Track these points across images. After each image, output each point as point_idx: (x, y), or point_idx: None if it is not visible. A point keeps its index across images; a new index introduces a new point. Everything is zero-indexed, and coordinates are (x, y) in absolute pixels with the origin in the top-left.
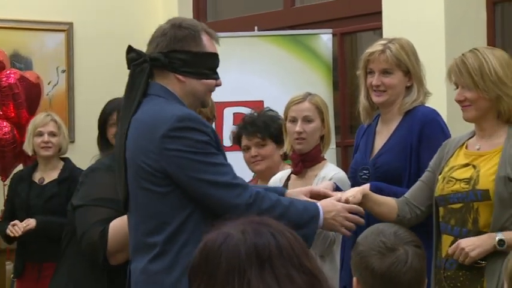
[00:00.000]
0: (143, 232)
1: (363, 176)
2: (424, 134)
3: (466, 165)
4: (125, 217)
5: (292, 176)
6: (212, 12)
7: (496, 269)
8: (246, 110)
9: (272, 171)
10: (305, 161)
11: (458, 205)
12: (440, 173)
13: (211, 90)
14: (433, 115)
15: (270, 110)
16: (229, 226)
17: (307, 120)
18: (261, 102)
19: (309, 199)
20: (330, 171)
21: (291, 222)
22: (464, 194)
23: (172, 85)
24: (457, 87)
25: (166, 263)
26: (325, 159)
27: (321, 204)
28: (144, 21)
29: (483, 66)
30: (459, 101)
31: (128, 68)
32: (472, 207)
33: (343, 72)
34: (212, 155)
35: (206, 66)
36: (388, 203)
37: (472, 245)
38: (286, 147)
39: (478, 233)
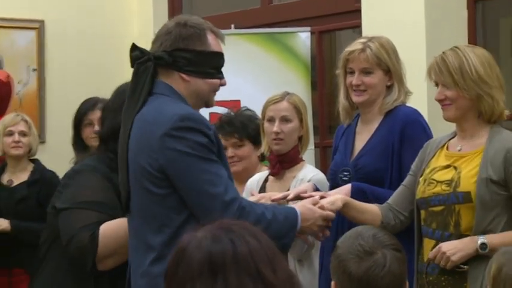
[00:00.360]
0: (145, 233)
1: (343, 178)
2: (405, 134)
3: (447, 166)
4: (115, 221)
5: (270, 177)
6: (188, 9)
7: (479, 273)
8: (222, 110)
9: (249, 173)
10: (283, 162)
11: (440, 208)
12: (421, 175)
13: (216, 90)
14: (415, 115)
15: (248, 109)
16: (200, 231)
17: (285, 120)
18: (238, 101)
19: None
20: (308, 172)
21: (273, 235)
22: (446, 196)
23: (177, 84)
24: (437, 86)
25: (165, 267)
26: (304, 160)
27: (300, 211)
28: (117, 19)
29: (463, 64)
30: (439, 100)
31: (132, 67)
32: (454, 210)
33: (321, 71)
34: (208, 161)
35: (211, 65)
36: (371, 211)
37: (454, 248)
38: (263, 148)
39: (460, 236)
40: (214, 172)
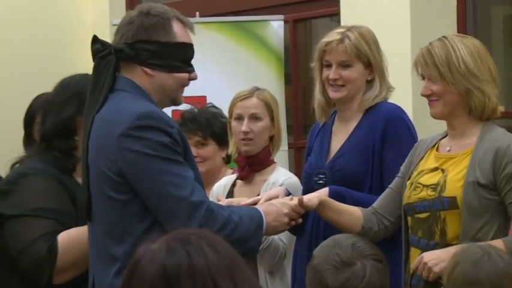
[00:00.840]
0: (107, 242)
1: (319, 181)
2: (387, 133)
3: (435, 169)
4: (74, 230)
5: (238, 181)
6: None
7: None
8: (186, 107)
9: (213, 175)
10: (252, 165)
11: (425, 214)
12: (408, 178)
13: (184, 84)
14: (398, 112)
15: (213, 106)
16: (156, 242)
17: (254, 118)
18: (204, 97)
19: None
20: (280, 176)
21: (240, 237)
22: (431, 202)
23: (140, 79)
24: (424, 80)
25: None
26: (275, 162)
27: (261, 209)
28: (70, 8)
29: (451, 56)
30: (425, 95)
31: (93, 61)
32: (439, 217)
33: (295, 64)
34: (171, 162)
35: (177, 57)
36: (351, 213)
37: (436, 259)
38: (231, 149)
39: (446, 245)
40: (178, 173)
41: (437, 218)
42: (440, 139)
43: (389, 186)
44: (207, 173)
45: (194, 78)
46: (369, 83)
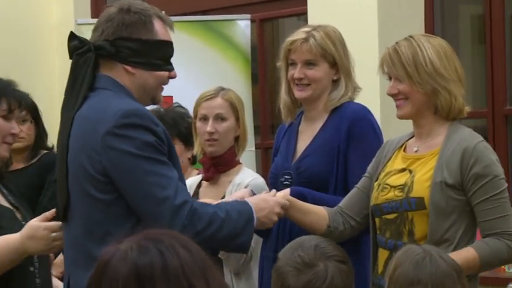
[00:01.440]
0: (86, 243)
1: (284, 182)
2: (352, 133)
3: (403, 170)
4: (4, 238)
5: (204, 182)
6: None
7: None
8: (152, 107)
9: None
10: (218, 166)
11: (393, 215)
12: (376, 179)
13: (164, 83)
14: (363, 112)
15: (180, 106)
16: (124, 242)
17: (219, 118)
18: (170, 97)
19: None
20: (246, 177)
21: (228, 233)
22: (398, 202)
23: (121, 77)
24: (390, 80)
25: None
26: (241, 163)
27: (252, 203)
28: (34, 6)
29: (417, 55)
30: (392, 95)
31: (70, 58)
32: (407, 218)
33: (263, 63)
34: (156, 162)
35: (158, 56)
36: (316, 212)
37: None
38: (196, 150)
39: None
40: (163, 174)
41: (404, 219)
42: (408, 139)
43: (356, 186)
44: None
45: (174, 77)
46: (335, 82)
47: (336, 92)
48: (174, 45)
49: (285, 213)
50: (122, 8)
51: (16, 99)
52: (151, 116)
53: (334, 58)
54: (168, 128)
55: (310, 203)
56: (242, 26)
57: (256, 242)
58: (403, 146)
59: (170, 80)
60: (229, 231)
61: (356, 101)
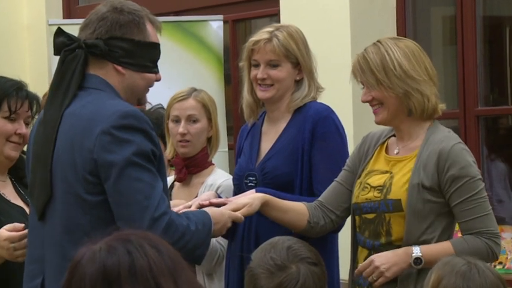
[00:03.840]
0: (64, 244)
1: (249, 184)
2: (316, 133)
3: (385, 172)
4: None
5: (176, 183)
6: None
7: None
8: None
9: None
10: (190, 167)
11: (371, 215)
12: (358, 177)
13: (151, 85)
14: (327, 112)
15: (162, 107)
16: (97, 243)
17: (191, 120)
18: None
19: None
20: (218, 178)
21: (193, 245)
22: (377, 203)
23: (110, 77)
24: (364, 87)
25: None
26: (213, 164)
27: (211, 214)
28: (4, 6)
29: (385, 60)
30: (366, 101)
31: (55, 54)
32: (384, 219)
33: (235, 64)
34: (144, 170)
35: (148, 57)
36: (295, 209)
37: (387, 263)
38: (168, 151)
39: (391, 245)
40: (150, 183)
41: (382, 220)
42: (390, 136)
43: (336, 179)
44: None
45: (159, 80)
46: (298, 83)
47: (298, 92)
48: None
49: (265, 214)
50: (115, 7)
51: (22, 99)
52: (147, 118)
53: (297, 58)
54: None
55: None
56: (215, 27)
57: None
58: (385, 144)
59: None
60: (196, 242)
61: (327, 101)
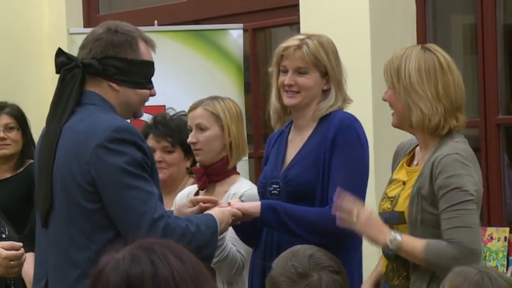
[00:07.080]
0: (68, 249)
1: (273, 191)
2: (337, 141)
3: (402, 182)
4: None
5: (200, 192)
6: (105, 3)
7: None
8: (145, 117)
9: (175, 182)
10: (210, 175)
11: (387, 225)
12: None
13: (146, 100)
14: (350, 121)
15: (185, 114)
16: (120, 251)
17: (200, 128)
18: (163, 107)
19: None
20: (242, 187)
21: (197, 246)
22: (387, 214)
23: (106, 93)
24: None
25: None
26: (238, 173)
27: (215, 215)
28: (26, 15)
29: (401, 67)
30: (384, 100)
31: (57, 73)
32: (394, 230)
33: (255, 72)
34: (139, 177)
35: (141, 74)
36: None
37: (365, 223)
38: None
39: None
40: (145, 189)
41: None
42: (416, 146)
43: None
44: (170, 180)
45: (154, 95)
46: (325, 92)
47: (325, 102)
48: (167, 55)
49: None
50: (109, 28)
51: None
52: (139, 132)
53: (325, 68)
54: (171, 134)
55: (281, 215)
56: (235, 36)
57: (248, 251)
58: (411, 154)
59: (163, 89)
60: (198, 243)
61: (348, 110)
